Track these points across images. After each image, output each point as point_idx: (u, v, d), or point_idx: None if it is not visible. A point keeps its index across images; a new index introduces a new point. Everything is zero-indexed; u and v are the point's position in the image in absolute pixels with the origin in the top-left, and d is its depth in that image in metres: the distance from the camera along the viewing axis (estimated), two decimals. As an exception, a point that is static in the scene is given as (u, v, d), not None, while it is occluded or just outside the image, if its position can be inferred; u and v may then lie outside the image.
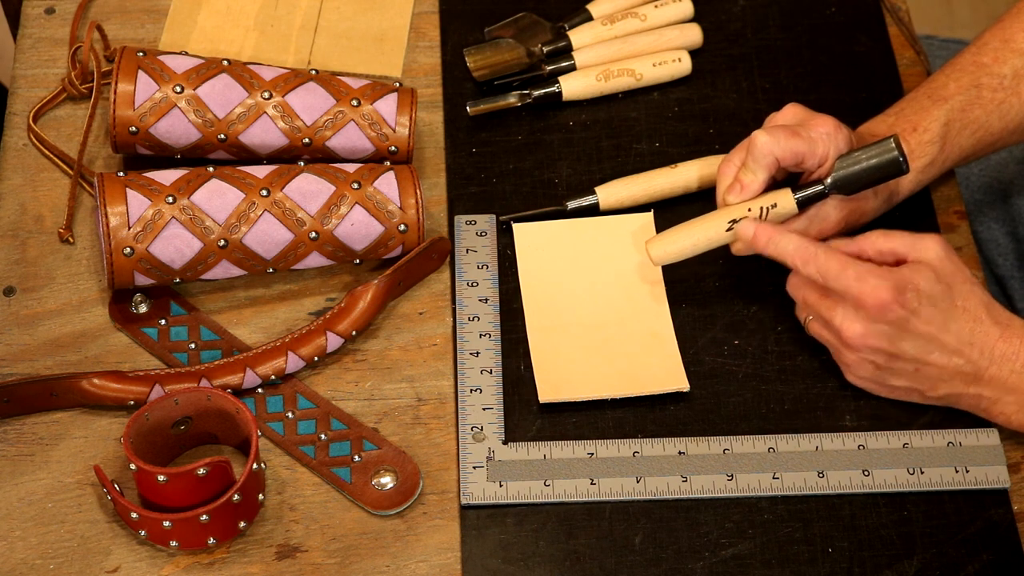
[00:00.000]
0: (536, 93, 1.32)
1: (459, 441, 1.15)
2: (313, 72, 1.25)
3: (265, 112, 1.22)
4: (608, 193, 1.27)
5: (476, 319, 1.21)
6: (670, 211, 1.26)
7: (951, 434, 1.16)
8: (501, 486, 1.13)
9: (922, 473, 1.15)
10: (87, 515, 1.12)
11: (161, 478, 1.07)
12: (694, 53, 1.36)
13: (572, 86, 1.32)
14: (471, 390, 1.18)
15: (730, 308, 1.23)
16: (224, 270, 1.19)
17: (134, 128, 1.22)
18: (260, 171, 1.20)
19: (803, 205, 1.17)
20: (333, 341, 1.18)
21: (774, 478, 1.14)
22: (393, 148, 1.24)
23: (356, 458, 1.14)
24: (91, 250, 1.24)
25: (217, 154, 1.24)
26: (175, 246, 1.16)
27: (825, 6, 1.40)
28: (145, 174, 1.19)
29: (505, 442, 1.16)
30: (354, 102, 1.23)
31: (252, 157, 1.24)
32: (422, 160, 1.30)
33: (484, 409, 1.17)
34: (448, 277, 1.24)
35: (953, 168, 1.27)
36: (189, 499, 1.08)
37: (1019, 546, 1.12)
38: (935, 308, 1.10)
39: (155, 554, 1.10)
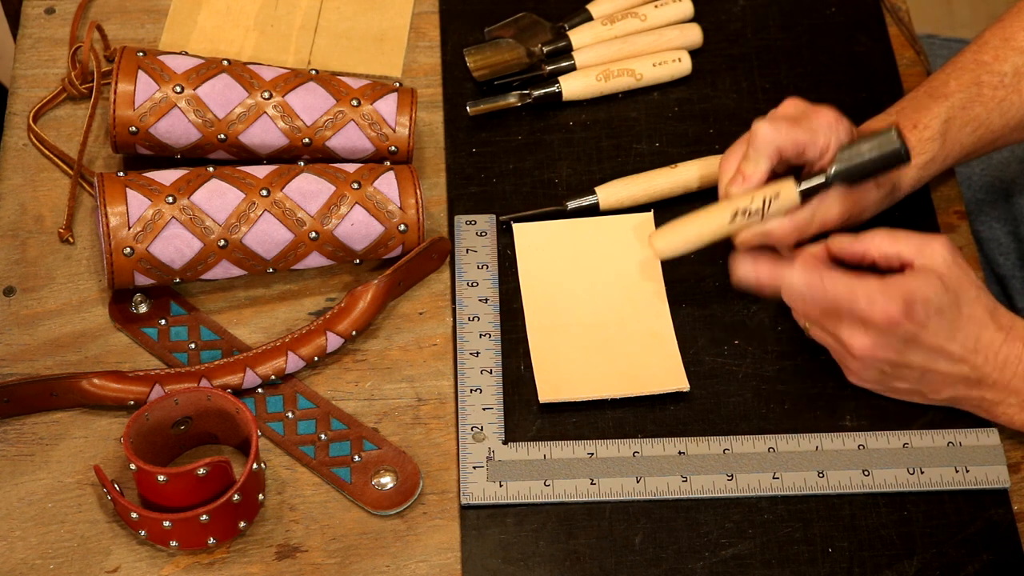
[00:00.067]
0: (536, 93, 1.32)
1: (459, 441, 1.15)
2: (313, 72, 1.25)
3: (265, 112, 1.22)
4: (608, 193, 1.27)
5: (476, 319, 1.21)
6: (670, 211, 1.26)
7: (951, 434, 1.16)
8: (501, 486, 1.13)
9: (922, 473, 1.15)
10: (87, 515, 1.12)
11: (161, 478, 1.07)
12: (694, 53, 1.36)
13: (572, 86, 1.32)
14: (471, 390, 1.18)
15: (730, 308, 1.23)
16: (224, 270, 1.19)
17: (134, 128, 1.22)
18: (260, 171, 1.20)
19: (805, 195, 1.16)
20: (333, 341, 1.18)
21: (774, 478, 1.14)
22: (393, 148, 1.24)
23: (356, 458, 1.14)
24: (91, 250, 1.24)
25: (217, 154, 1.24)
26: (175, 246, 1.16)
27: (825, 6, 1.40)
28: (145, 174, 1.19)
29: (505, 442, 1.16)
30: (354, 102, 1.23)
31: (252, 157, 1.24)
32: (422, 160, 1.30)
33: (484, 409, 1.17)
34: (448, 277, 1.24)
35: (954, 166, 1.27)
36: (189, 499, 1.08)
37: (1019, 546, 1.12)
38: (943, 319, 1.10)
39: (155, 554, 1.10)
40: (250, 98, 1.22)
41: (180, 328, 1.20)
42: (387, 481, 1.13)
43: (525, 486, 1.13)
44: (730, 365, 1.20)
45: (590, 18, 1.37)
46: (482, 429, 1.16)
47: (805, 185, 1.16)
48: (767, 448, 1.15)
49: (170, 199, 1.16)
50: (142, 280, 1.18)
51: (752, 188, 1.16)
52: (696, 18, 1.37)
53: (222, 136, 1.22)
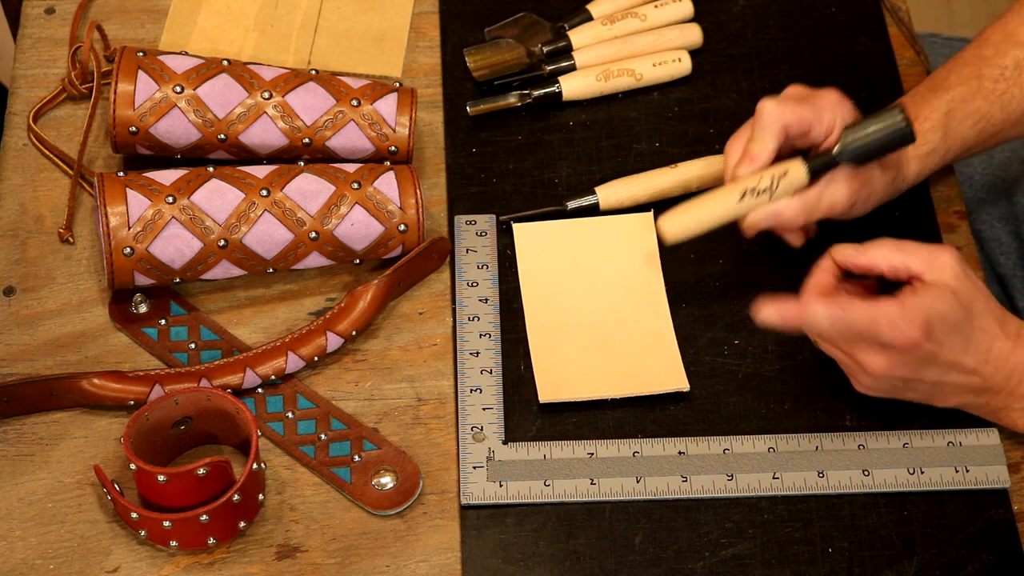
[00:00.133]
0: (536, 93, 1.32)
1: (459, 441, 1.15)
2: (313, 72, 1.25)
3: (265, 112, 1.22)
4: (608, 193, 1.27)
5: (476, 319, 1.21)
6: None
7: (951, 434, 1.16)
8: (501, 486, 1.13)
9: (922, 473, 1.15)
10: (87, 515, 1.12)
11: (161, 478, 1.07)
12: (694, 53, 1.36)
13: (572, 86, 1.32)
14: (471, 390, 1.18)
15: (730, 308, 1.23)
16: (224, 270, 1.19)
17: (134, 128, 1.22)
18: (260, 171, 1.20)
19: (814, 174, 1.16)
20: (333, 341, 1.18)
21: (774, 478, 1.14)
22: (393, 148, 1.24)
23: (356, 458, 1.14)
24: (91, 250, 1.24)
25: (217, 154, 1.24)
26: (175, 246, 1.16)
27: (825, 6, 1.40)
28: (145, 174, 1.19)
29: (505, 442, 1.16)
30: (354, 102, 1.23)
31: (252, 157, 1.24)
32: (422, 160, 1.30)
33: (484, 409, 1.17)
34: (448, 277, 1.24)
35: (956, 161, 1.27)
36: (189, 499, 1.08)
37: (1019, 546, 1.12)
38: (958, 334, 1.09)
39: (155, 554, 1.10)
40: (250, 98, 1.22)
41: (180, 328, 1.20)
42: (387, 481, 1.13)
43: (525, 486, 1.13)
44: (730, 365, 1.20)
45: (590, 18, 1.37)
46: (482, 429, 1.16)
47: (813, 162, 1.15)
48: (767, 448, 1.15)
49: (170, 199, 1.16)
50: (142, 280, 1.18)
51: (759, 168, 1.16)
52: (696, 18, 1.37)
53: (222, 136, 1.22)
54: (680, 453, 1.15)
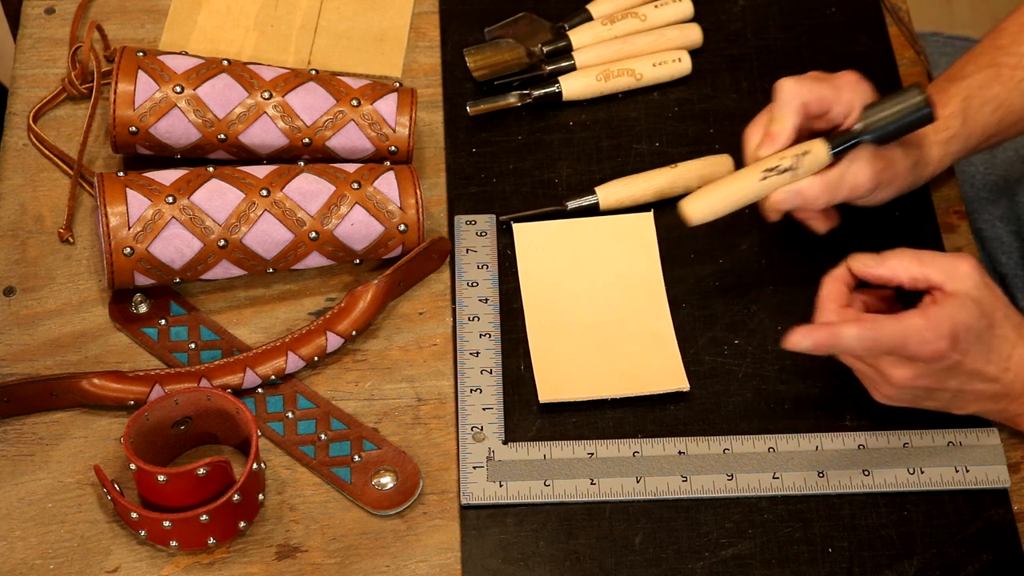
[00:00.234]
0: (536, 93, 1.32)
1: (459, 441, 1.15)
2: (313, 72, 1.25)
3: (265, 112, 1.22)
4: (608, 193, 1.27)
5: (476, 319, 1.21)
6: (670, 211, 1.26)
7: (951, 434, 1.16)
8: (501, 486, 1.13)
9: (922, 473, 1.15)
10: (87, 515, 1.12)
11: (161, 478, 1.07)
12: (694, 53, 1.36)
13: (572, 86, 1.32)
14: (471, 390, 1.18)
15: (730, 308, 1.23)
16: (224, 270, 1.19)
17: (134, 128, 1.22)
18: (260, 171, 1.20)
19: (836, 153, 1.15)
20: (333, 341, 1.18)
21: (774, 478, 1.14)
22: (393, 148, 1.24)
23: (356, 458, 1.14)
24: (91, 250, 1.24)
25: (217, 154, 1.24)
26: (175, 246, 1.16)
27: (825, 6, 1.40)
28: (145, 174, 1.19)
29: (505, 442, 1.16)
30: (354, 102, 1.23)
31: (252, 157, 1.24)
32: (422, 160, 1.30)
33: (484, 409, 1.17)
34: (448, 277, 1.24)
35: (980, 150, 1.26)
36: (189, 499, 1.08)
37: (1019, 546, 1.12)
38: (981, 343, 1.09)
39: (155, 554, 1.10)
40: (250, 98, 1.22)
41: (180, 328, 1.20)
42: (387, 481, 1.13)
43: (525, 486, 1.13)
44: (730, 365, 1.20)
45: (590, 18, 1.37)
46: (482, 429, 1.16)
47: (835, 141, 1.15)
48: (767, 448, 1.15)
49: (170, 199, 1.16)
50: (142, 280, 1.18)
51: (780, 148, 1.16)
52: (696, 18, 1.37)
53: (222, 136, 1.22)
54: (680, 453, 1.15)
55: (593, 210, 1.27)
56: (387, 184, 1.20)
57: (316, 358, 1.18)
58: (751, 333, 1.21)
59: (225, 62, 1.24)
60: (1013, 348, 1.10)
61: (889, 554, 1.12)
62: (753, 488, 1.14)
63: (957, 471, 1.15)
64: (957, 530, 1.13)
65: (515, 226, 1.26)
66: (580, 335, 1.21)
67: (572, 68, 1.34)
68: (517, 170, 1.30)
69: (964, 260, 1.10)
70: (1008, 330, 1.10)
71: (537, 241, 1.26)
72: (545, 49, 1.35)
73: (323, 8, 1.38)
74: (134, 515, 1.08)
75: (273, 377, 1.17)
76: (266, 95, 1.22)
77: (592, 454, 1.15)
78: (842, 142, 1.15)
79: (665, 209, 1.27)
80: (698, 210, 1.16)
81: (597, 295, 1.23)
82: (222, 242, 1.17)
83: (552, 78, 1.33)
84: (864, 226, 1.24)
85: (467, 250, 1.25)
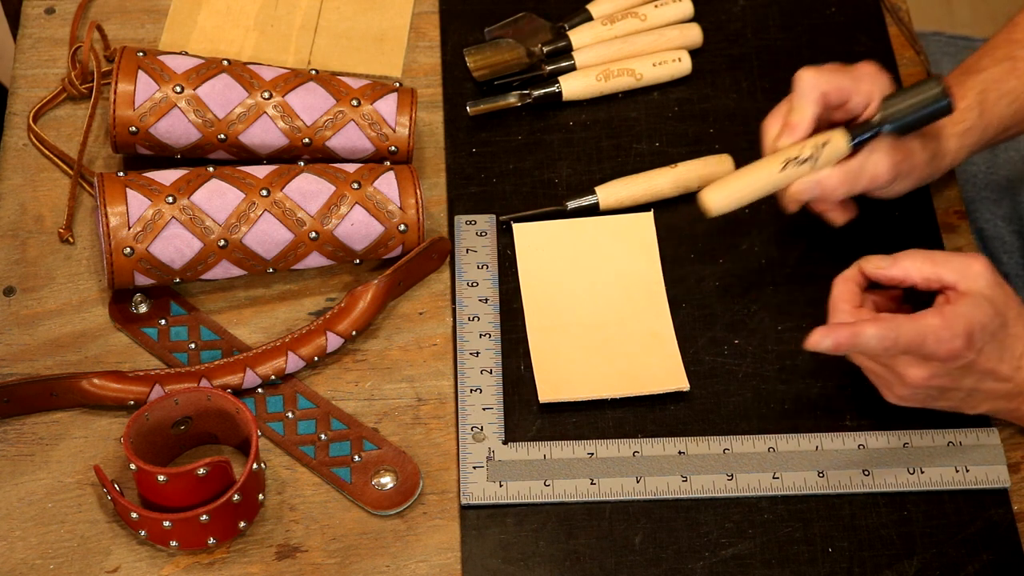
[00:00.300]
0: (536, 93, 1.32)
1: (459, 441, 1.15)
2: (313, 72, 1.25)
3: (265, 112, 1.22)
4: (608, 193, 1.27)
5: (476, 319, 1.21)
6: (670, 211, 1.26)
7: (951, 434, 1.16)
8: (501, 486, 1.13)
9: (922, 473, 1.15)
10: (87, 515, 1.12)
11: (161, 478, 1.07)
12: (694, 53, 1.36)
13: (572, 86, 1.32)
14: (471, 390, 1.18)
15: (730, 308, 1.23)
16: (224, 270, 1.19)
17: (134, 128, 1.22)
18: (260, 171, 1.20)
19: (856, 144, 1.15)
20: (333, 341, 1.18)
21: (774, 478, 1.14)
22: (393, 148, 1.24)
23: (356, 458, 1.14)
24: (91, 250, 1.24)
25: (217, 154, 1.24)
26: (175, 246, 1.16)
27: (825, 6, 1.40)
28: (145, 174, 1.19)
29: (505, 442, 1.16)
30: (354, 102, 1.23)
31: (252, 157, 1.24)
32: (422, 160, 1.30)
33: (484, 409, 1.17)
34: (448, 277, 1.24)
35: (997, 142, 1.26)
36: (189, 499, 1.08)
37: (1019, 546, 1.12)
38: (995, 342, 1.09)
39: (155, 554, 1.10)
40: (250, 98, 1.22)
41: (180, 328, 1.20)
42: (387, 481, 1.13)
43: (525, 486, 1.13)
44: (730, 365, 1.20)
45: (590, 18, 1.37)
46: (482, 429, 1.16)
47: (855, 131, 1.15)
48: (767, 448, 1.15)
49: (170, 199, 1.16)
50: (142, 280, 1.18)
51: (800, 139, 1.16)
52: (696, 18, 1.37)
53: (222, 136, 1.22)
54: (680, 453, 1.15)
55: (593, 210, 1.27)
56: (387, 184, 1.20)
57: (316, 358, 1.18)
58: (751, 333, 1.21)
59: (225, 62, 1.24)
60: None
61: (889, 554, 1.12)
62: (753, 488, 1.14)
63: (957, 471, 1.15)
64: (957, 530, 1.13)
65: (515, 226, 1.26)
66: (580, 335, 1.21)
67: (572, 68, 1.34)
68: (517, 170, 1.30)
69: (976, 259, 1.10)
70: (1020, 329, 1.11)
71: (537, 241, 1.26)
72: (545, 49, 1.35)
73: (323, 8, 1.38)
74: (134, 515, 1.08)
75: (273, 377, 1.17)
76: (266, 95, 1.22)
77: (592, 454, 1.15)
78: (861, 133, 1.15)
79: (665, 209, 1.27)
80: (718, 200, 1.16)
81: (597, 295, 1.23)
82: (222, 242, 1.17)
83: (552, 78, 1.33)
84: (864, 226, 1.23)
85: (467, 250, 1.25)
